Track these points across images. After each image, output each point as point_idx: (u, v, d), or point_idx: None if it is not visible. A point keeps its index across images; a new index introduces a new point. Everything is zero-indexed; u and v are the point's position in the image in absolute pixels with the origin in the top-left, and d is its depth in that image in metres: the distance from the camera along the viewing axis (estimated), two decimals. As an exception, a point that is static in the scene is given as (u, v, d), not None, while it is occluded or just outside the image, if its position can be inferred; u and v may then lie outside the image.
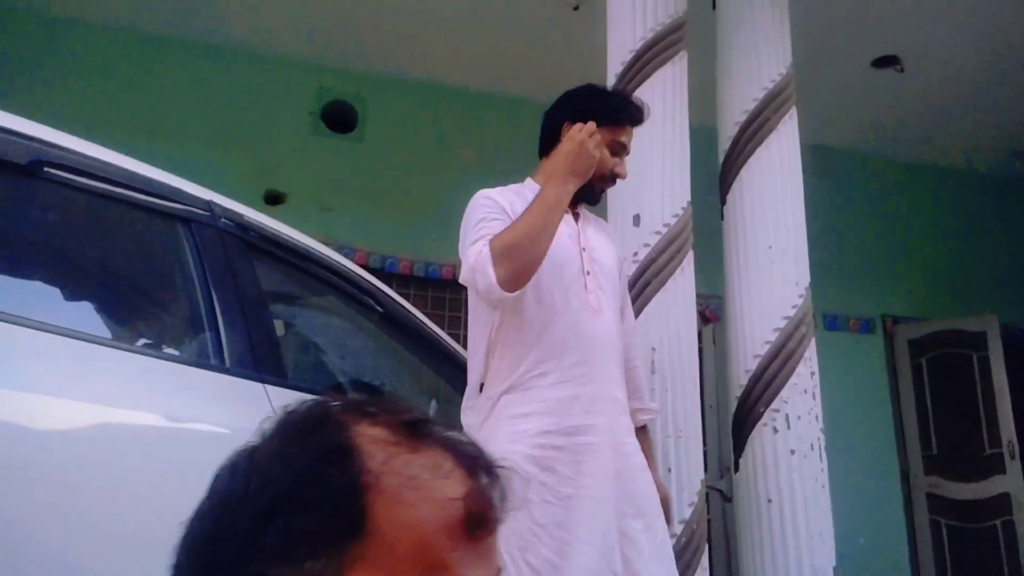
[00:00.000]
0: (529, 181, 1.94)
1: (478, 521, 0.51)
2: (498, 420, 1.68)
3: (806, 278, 2.55)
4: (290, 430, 0.54)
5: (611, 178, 1.90)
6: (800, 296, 2.50)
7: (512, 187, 1.90)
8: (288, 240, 1.94)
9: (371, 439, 0.52)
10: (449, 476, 0.52)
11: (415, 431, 0.54)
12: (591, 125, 1.78)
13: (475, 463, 0.54)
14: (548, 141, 1.90)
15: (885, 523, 4.92)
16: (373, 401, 0.57)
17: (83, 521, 1.19)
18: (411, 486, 0.50)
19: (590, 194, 1.90)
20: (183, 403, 1.41)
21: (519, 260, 1.66)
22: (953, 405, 5.04)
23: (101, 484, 1.22)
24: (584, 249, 1.86)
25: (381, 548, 0.48)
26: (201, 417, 1.43)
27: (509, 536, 1.57)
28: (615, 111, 1.88)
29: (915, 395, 5.17)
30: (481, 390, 1.75)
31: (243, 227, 1.77)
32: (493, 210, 1.78)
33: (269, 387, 1.60)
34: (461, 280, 1.70)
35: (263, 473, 0.51)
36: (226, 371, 1.53)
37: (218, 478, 0.54)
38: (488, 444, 1.64)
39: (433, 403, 2.34)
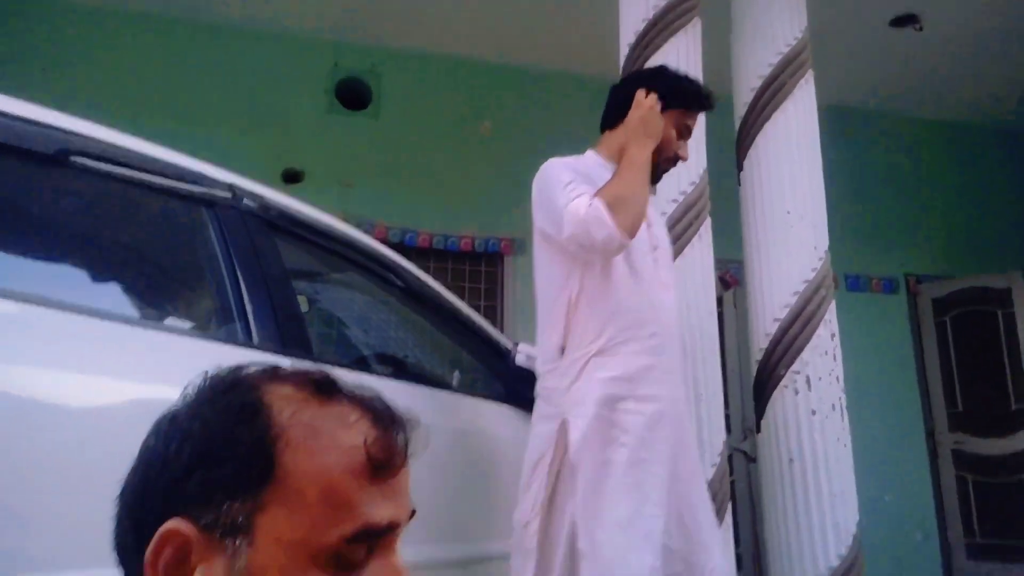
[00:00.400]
0: (590, 153, 1.97)
1: (381, 465, 0.57)
2: (588, 383, 1.73)
3: (825, 241, 2.55)
4: (207, 393, 0.60)
5: (674, 160, 1.94)
6: (819, 259, 2.51)
7: (574, 158, 1.93)
8: (309, 219, 1.97)
9: (280, 396, 0.58)
10: (353, 426, 0.58)
11: (323, 388, 0.59)
12: (654, 95, 1.86)
13: (379, 413, 0.59)
14: (616, 115, 1.93)
15: (910, 481, 4.94)
16: (284, 366, 0.63)
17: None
18: (316, 436, 0.56)
19: (652, 173, 1.91)
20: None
21: (632, 209, 1.72)
22: (978, 362, 5.02)
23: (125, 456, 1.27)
24: (649, 226, 1.91)
25: (291, 491, 0.55)
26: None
27: (591, 496, 1.64)
28: (688, 95, 1.92)
29: (939, 353, 5.15)
30: (562, 353, 1.79)
31: (265, 207, 1.81)
32: (574, 175, 1.81)
33: (295, 362, 1.65)
34: (566, 236, 1.71)
35: (183, 433, 0.57)
36: (254, 347, 1.57)
37: (146, 439, 0.60)
38: (576, 407, 1.69)
39: (456, 373, 2.39)
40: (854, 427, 2.50)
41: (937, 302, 5.21)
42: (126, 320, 1.43)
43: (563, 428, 1.72)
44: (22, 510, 1.12)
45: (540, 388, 1.84)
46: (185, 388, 0.61)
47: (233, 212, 1.72)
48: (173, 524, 0.54)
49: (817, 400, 2.32)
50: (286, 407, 0.57)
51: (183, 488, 0.55)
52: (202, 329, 1.56)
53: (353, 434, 0.57)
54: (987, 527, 4.78)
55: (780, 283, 2.46)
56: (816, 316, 2.41)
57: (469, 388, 2.30)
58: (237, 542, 0.54)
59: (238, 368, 0.62)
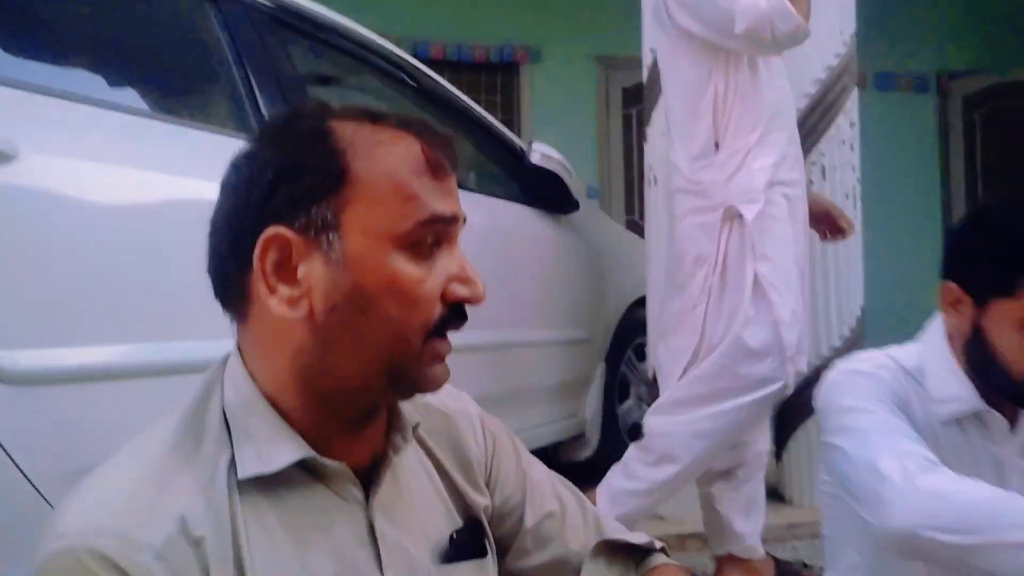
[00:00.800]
0: None
1: (436, 164, 0.65)
2: (750, 173, 1.83)
3: (851, 25, 2.44)
4: (272, 129, 0.68)
5: None
6: (844, 45, 2.41)
7: None
8: (316, 15, 1.93)
9: (339, 121, 0.66)
10: (407, 137, 0.66)
11: (373, 115, 0.67)
12: None
13: (425, 128, 0.67)
14: None
15: (925, 280, 5.02)
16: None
17: (137, 269, 1.33)
18: (378, 145, 0.65)
19: None
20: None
21: (806, 1, 1.77)
22: (1004, 160, 4.94)
23: (156, 242, 1.34)
24: None
25: (365, 190, 0.63)
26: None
27: (775, 269, 1.79)
28: None
29: (966, 151, 5.06)
30: (716, 148, 1.88)
31: (270, 3, 1.77)
32: None
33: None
34: (741, 31, 1.74)
35: (261, 159, 0.65)
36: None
37: (227, 177, 0.67)
38: (744, 194, 1.81)
39: (472, 174, 2.42)
40: (870, 225, 2.52)
41: (967, 99, 5.05)
42: (140, 112, 1.45)
43: (728, 215, 1.84)
44: (46, 291, 1.21)
45: (690, 184, 1.90)
46: (248, 138, 0.69)
47: (237, 6, 1.68)
48: (272, 230, 0.63)
49: (830, 189, 2.33)
50: (346, 128, 0.65)
51: (272, 203, 0.63)
52: (217, 123, 1.57)
53: (408, 141, 0.65)
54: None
55: (801, 71, 2.38)
56: (836, 105, 2.36)
57: (486, 189, 2.34)
58: (330, 237, 0.63)
59: (293, 107, 0.69)
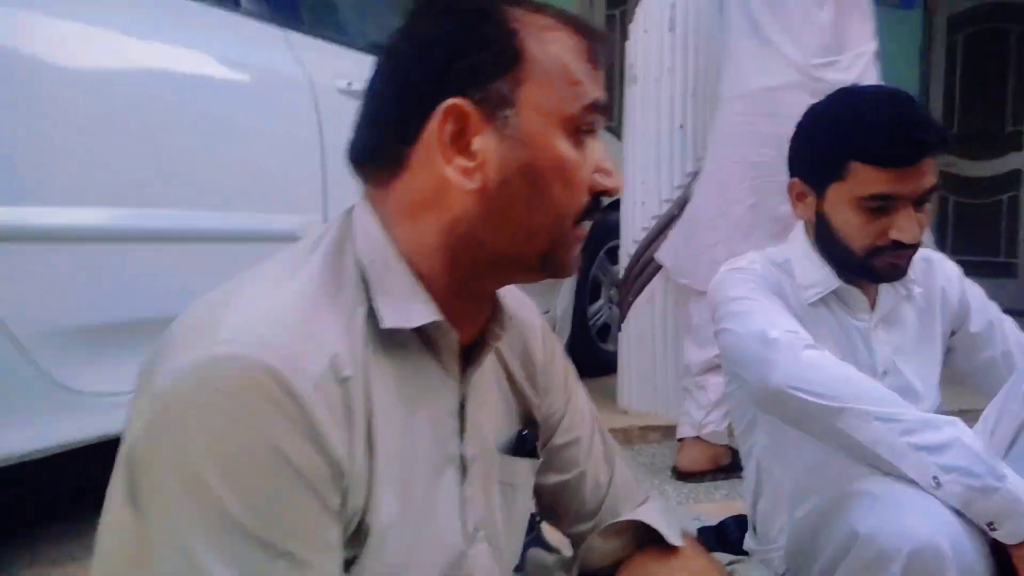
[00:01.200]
0: None
1: (596, 55, 0.68)
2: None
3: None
4: (438, 3, 0.69)
5: None
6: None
7: None
8: None
9: (502, 4, 0.67)
10: (567, 27, 0.68)
11: (534, 5, 0.68)
12: None
13: (581, 20, 0.70)
14: None
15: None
16: None
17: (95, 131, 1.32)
18: (546, 29, 0.67)
19: None
20: (205, 40, 1.47)
21: None
22: (984, 83, 4.94)
23: (117, 112, 1.33)
24: None
25: (538, 70, 0.65)
26: (225, 58, 1.50)
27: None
28: None
29: (946, 73, 5.05)
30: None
31: None
32: None
33: (290, 33, 1.65)
34: None
35: (435, 31, 0.66)
36: (240, 13, 1.56)
37: (393, 45, 0.68)
38: None
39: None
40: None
41: (952, 19, 5.01)
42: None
43: None
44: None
45: (809, 80, 1.92)
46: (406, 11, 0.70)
47: None
48: (451, 101, 0.63)
49: (809, 96, 2.34)
50: (514, 11, 0.66)
51: (448, 75, 0.64)
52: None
53: (570, 28, 0.68)
54: (960, 244, 5.01)
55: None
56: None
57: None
58: (506, 112, 0.64)
59: None
